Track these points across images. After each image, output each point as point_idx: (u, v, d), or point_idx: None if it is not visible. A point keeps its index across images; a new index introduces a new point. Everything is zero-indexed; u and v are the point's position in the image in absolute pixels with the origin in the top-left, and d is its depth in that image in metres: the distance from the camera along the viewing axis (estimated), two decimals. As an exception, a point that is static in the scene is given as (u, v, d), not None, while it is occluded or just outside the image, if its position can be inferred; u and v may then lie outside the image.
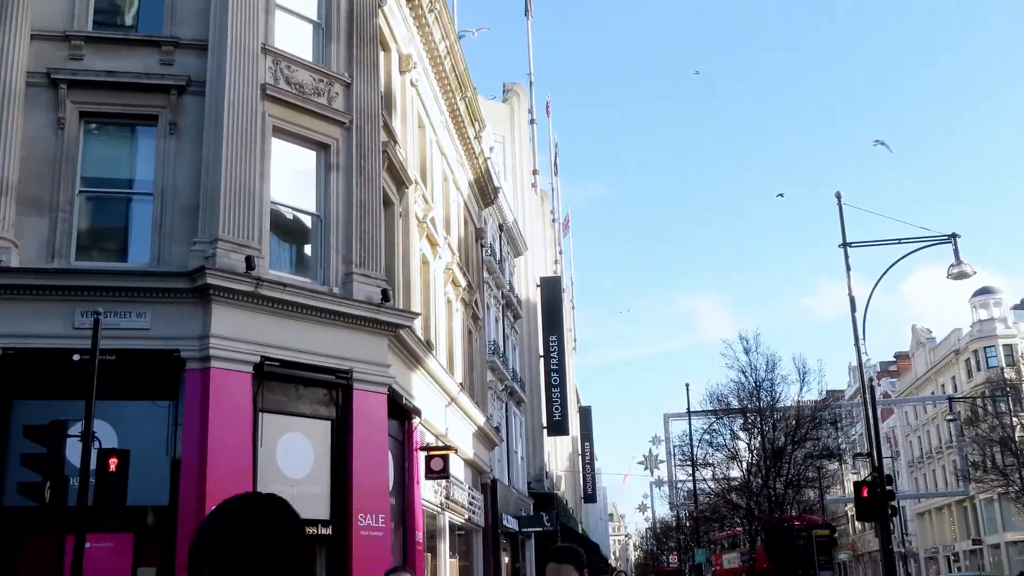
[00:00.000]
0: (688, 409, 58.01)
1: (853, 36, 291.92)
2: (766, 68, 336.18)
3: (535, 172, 60.95)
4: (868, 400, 29.05)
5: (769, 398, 51.77)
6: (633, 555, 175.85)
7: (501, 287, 43.86)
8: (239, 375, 17.37)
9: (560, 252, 75.43)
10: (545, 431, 52.78)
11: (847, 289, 28.19)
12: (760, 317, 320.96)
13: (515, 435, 45.59)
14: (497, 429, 36.88)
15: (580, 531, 67.27)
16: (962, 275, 26.63)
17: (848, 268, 28.23)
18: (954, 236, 26.77)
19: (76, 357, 15.37)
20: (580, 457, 77.94)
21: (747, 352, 52.34)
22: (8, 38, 17.93)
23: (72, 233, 17.77)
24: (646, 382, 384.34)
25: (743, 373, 52.31)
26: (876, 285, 28.12)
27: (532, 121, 61.80)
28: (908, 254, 27.86)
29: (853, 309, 27.90)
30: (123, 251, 18.53)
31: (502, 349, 42.16)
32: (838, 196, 28.49)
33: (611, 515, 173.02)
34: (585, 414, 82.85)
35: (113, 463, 14.10)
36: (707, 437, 56.28)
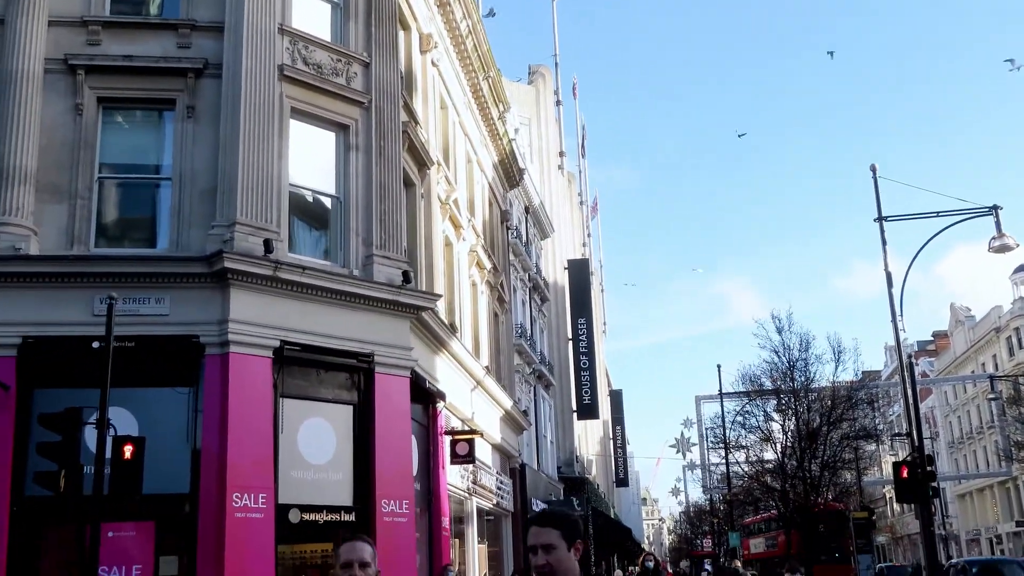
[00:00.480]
0: (720, 391, 57.40)
1: (885, 7, 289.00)
2: (797, 45, 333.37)
3: (562, 154, 60.58)
4: (907, 377, 28.51)
5: (803, 378, 51.05)
6: (667, 539, 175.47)
7: (528, 270, 43.58)
8: (259, 360, 17.19)
9: (588, 235, 75.07)
10: (575, 415, 52.51)
11: (883, 264, 27.56)
12: (793, 299, 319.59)
13: (544, 419, 45.37)
14: (525, 413, 36.65)
15: (612, 515, 67.08)
16: (1004, 248, 25.94)
17: (884, 242, 27.59)
18: (995, 208, 26.11)
19: (96, 344, 15.20)
20: (611, 441, 77.64)
21: (779, 331, 51.53)
22: (26, 24, 17.79)
23: (91, 219, 17.63)
24: (678, 365, 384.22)
25: (776, 353, 51.52)
26: (915, 258, 27.67)
27: (558, 103, 61.44)
28: (948, 227, 27.12)
29: (890, 285, 27.35)
30: (142, 237, 18.38)
31: (529, 332, 41.90)
32: (873, 169, 27.90)
33: (644, 499, 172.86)
34: (616, 398, 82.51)
35: (128, 450, 13.95)
36: (740, 419, 55.57)
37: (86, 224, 17.46)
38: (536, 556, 4.28)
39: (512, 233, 39.11)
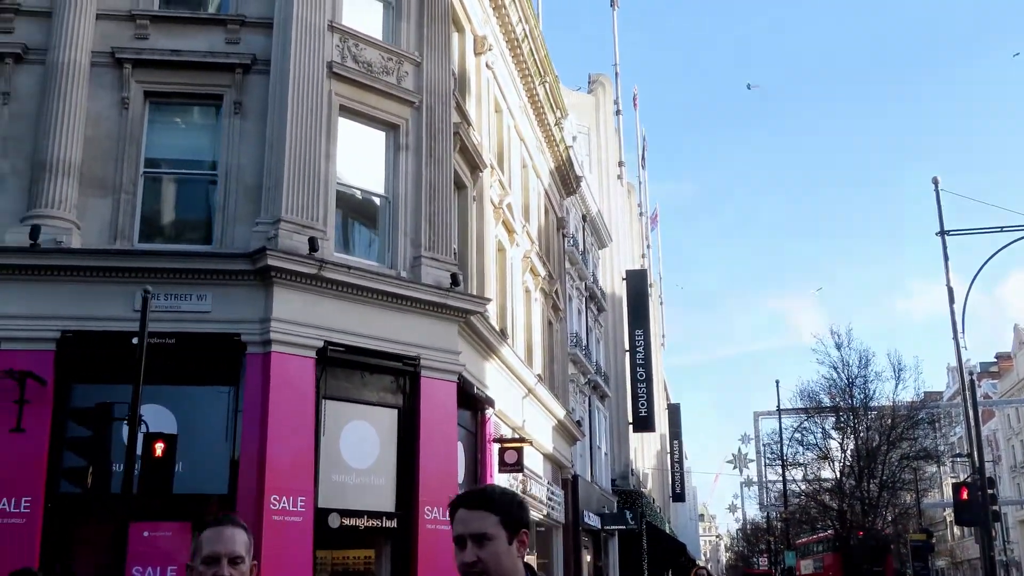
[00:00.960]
0: (778, 407, 56.45)
1: (938, 16, 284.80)
2: (854, 55, 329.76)
3: (621, 164, 59.99)
4: (968, 396, 27.62)
5: (862, 395, 50.03)
6: (724, 556, 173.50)
7: (584, 279, 43.04)
8: (301, 360, 16.85)
9: (648, 246, 74.33)
10: (631, 427, 51.78)
11: (945, 279, 26.81)
12: (852, 318, 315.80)
13: (599, 431, 44.74)
14: (579, 423, 36.06)
15: (668, 530, 66.16)
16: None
17: (946, 257, 26.82)
18: (1062, 224, 25.25)
19: (136, 340, 14.96)
20: (668, 455, 76.68)
21: (839, 347, 50.66)
22: (74, 17, 17.62)
23: (135, 214, 17.41)
24: (736, 381, 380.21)
25: (835, 369, 50.64)
26: (980, 271, 26.98)
27: (618, 112, 60.86)
28: (1013, 242, 26.36)
29: (951, 300, 26.58)
30: (185, 232, 18.14)
31: (585, 342, 41.32)
32: (935, 182, 27.17)
33: (702, 515, 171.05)
34: (674, 411, 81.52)
35: (160, 448, 13.62)
36: (798, 436, 54.67)
37: (129, 219, 17.24)
38: (464, 551, 3.17)
39: (568, 241, 38.61)
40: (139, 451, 13.94)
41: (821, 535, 60.68)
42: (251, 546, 3.78)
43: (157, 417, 15.07)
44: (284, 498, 15.94)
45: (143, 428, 13.83)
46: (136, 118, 17.67)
